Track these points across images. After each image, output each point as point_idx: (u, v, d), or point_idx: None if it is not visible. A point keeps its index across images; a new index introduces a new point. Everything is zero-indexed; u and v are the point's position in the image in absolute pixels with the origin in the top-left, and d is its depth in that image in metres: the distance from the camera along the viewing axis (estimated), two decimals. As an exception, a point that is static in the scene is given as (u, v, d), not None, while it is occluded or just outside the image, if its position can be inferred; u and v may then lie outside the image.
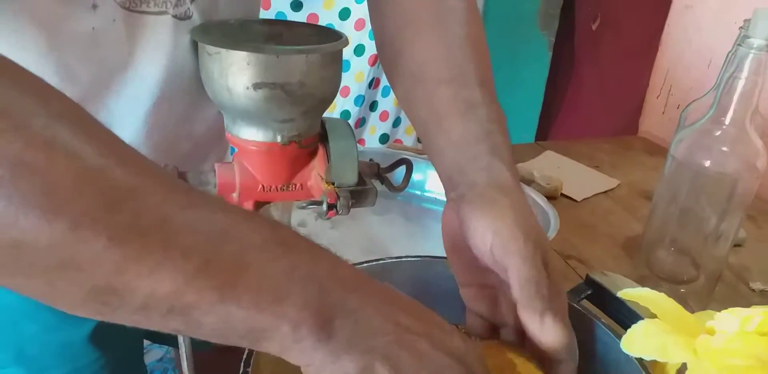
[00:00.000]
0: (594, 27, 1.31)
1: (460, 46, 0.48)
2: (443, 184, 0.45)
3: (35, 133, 0.24)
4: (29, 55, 0.42)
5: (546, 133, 1.54)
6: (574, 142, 1.08)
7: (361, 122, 1.63)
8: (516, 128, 1.74)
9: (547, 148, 1.01)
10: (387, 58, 0.53)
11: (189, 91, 0.51)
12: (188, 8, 0.47)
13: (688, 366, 0.36)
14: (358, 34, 1.25)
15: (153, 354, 1.35)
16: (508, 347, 0.39)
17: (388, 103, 1.44)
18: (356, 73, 1.30)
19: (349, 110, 1.36)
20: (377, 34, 0.55)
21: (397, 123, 1.50)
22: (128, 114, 0.49)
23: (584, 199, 0.85)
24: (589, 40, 1.33)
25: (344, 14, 1.23)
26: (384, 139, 1.49)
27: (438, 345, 0.31)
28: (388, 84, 1.47)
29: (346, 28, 1.24)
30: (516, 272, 0.36)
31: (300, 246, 0.30)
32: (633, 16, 1.18)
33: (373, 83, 1.38)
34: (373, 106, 1.43)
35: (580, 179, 0.90)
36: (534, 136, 1.55)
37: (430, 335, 0.31)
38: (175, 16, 0.46)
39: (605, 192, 0.88)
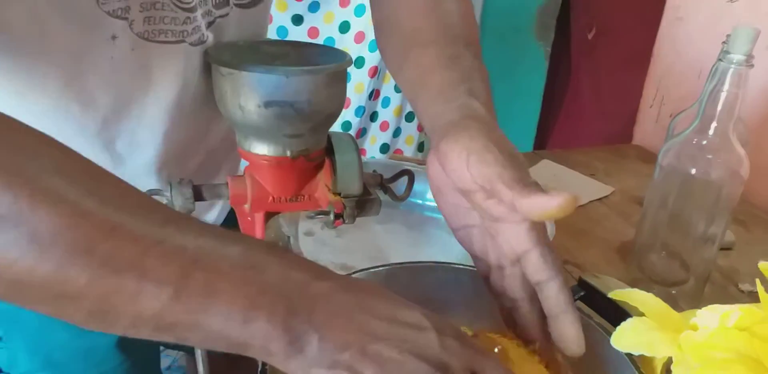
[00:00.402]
0: (590, 37, 1.34)
1: (451, 16, 0.52)
2: (429, 135, 0.45)
3: (22, 187, 0.28)
4: (52, 83, 0.45)
5: (544, 141, 1.56)
6: (571, 150, 1.11)
7: (362, 132, 1.66)
8: (514, 137, 1.76)
9: (544, 157, 1.04)
10: (383, 26, 0.56)
11: (202, 107, 0.55)
12: (203, 34, 0.50)
13: (674, 359, 0.39)
14: (357, 46, 1.28)
15: (162, 361, 1.38)
16: (501, 336, 0.42)
17: (388, 114, 1.46)
18: (356, 85, 1.33)
19: (350, 121, 1.39)
20: (375, 12, 0.57)
21: (397, 133, 1.52)
22: (149, 134, 0.52)
23: (580, 206, 0.88)
24: (586, 50, 1.36)
25: (344, 28, 1.26)
26: (384, 148, 1.51)
27: (407, 347, 0.31)
28: (387, 95, 1.50)
29: (346, 40, 1.27)
30: (498, 177, 0.37)
31: (270, 267, 0.32)
32: (627, 27, 1.21)
33: (373, 94, 1.40)
34: (373, 116, 1.45)
35: (576, 187, 0.92)
36: (532, 144, 1.57)
37: (399, 339, 0.32)
38: (191, 44, 0.49)
39: (600, 199, 0.90)
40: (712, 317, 0.39)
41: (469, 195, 0.40)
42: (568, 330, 0.39)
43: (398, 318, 0.33)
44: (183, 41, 0.48)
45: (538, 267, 0.39)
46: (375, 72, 1.32)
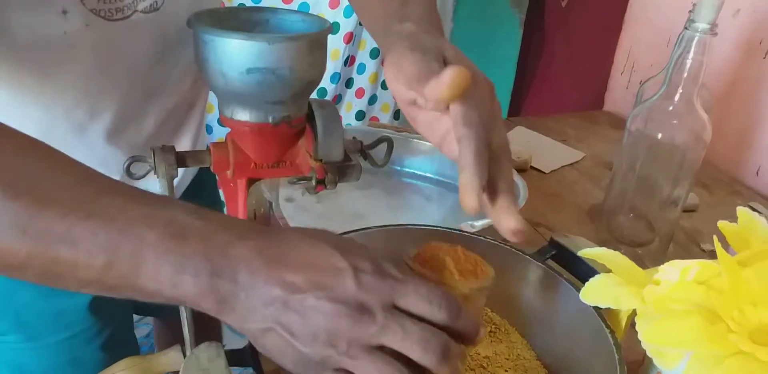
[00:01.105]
0: (563, 4, 1.35)
1: None
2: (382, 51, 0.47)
3: None
4: (7, 55, 0.47)
5: (518, 108, 1.58)
6: (543, 117, 1.13)
7: (338, 99, 1.66)
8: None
9: (518, 124, 1.06)
10: None
11: (159, 68, 0.56)
12: (155, 1, 0.51)
13: (638, 312, 0.42)
14: (332, 12, 1.27)
15: (139, 330, 1.39)
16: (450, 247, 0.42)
17: (363, 81, 1.46)
18: (332, 51, 1.32)
19: (326, 88, 1.38)
20: None
21: (372, 100, 1.52)
22: (108, 100, 0.54)
23: (552, 171, 0.90)
24: (559, 18, 1.37)
25: (318, -8, 1.25)
26: (360, 115, 1.52)
27: (324, 294, 0.33)
28: (363, 62, 1.50)
29: (320, 6, 1.26)
30: (416, 81, 0.38)
31: (195, 233, 0.34)
32: (600, -6, 1.22)
33: (349, 61, 1.40)
34: (348, 83, 1.45)
35: (549, 152, 0.95)
36: (506, 111, 1.59)
37: (317, 286, 0.33)
38: (143, 12, 0.50)
39: (571, 164, 0.93)
40: (673, 272, 0.42)
41: (420, 104, 0.41)
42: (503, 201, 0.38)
43: (316, 264, 0.34)
44: (135, 11, 0.49)
45: (458, 124, 0.38)
46: (350, 38, 1.31)
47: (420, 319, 0.34)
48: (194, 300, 0.33)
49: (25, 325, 0.64)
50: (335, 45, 1.31)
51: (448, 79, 0.36)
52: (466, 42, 1.61)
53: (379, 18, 0.50)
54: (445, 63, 0.39)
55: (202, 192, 0.61)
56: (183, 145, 0.66)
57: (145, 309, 0.78)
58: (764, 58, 0.87)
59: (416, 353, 0.33)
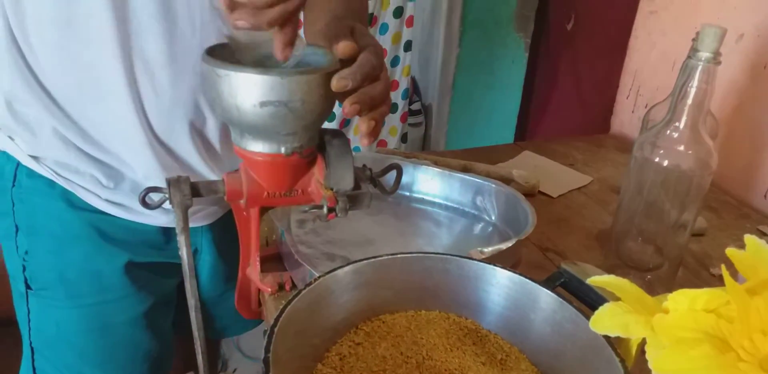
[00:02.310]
0: (569, 28, 1.36)
1: None
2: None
3: None
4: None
5: (524, 132, 1.58)
6: (550, 141, 1.14)
7: (346, 123, 1.68)
8: (496, 128, 1.79)
9: (525, 148, 1.06)
10: None
11: None
12: None
13: (647, 340, 0.42)
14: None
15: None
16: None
17: (371, 105, 1.48)
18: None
19: (334, 111, 1.40)
20: None
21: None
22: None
23: (560, 195, 0.91)
24: (564, 41, 1.38)
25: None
26: (369, 139, 1.53)
27: None
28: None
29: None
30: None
31: None
32: (605, 18, 1.23)
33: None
34: (357, 107, 1.47)
35: (556, 177, 0.95)
36: (513, 135, 1.60)
37: None
38: None
39: (579, 188, 0.93)
40: (682, 300, 0.42)
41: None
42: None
43: None
44: None
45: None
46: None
47: None
48: None
49: (67, 282, 0.69)
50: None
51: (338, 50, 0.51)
52: (472, 66, 1.64)
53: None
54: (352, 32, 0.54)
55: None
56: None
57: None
58: (769, 82, 0.88)
59: None
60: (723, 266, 0.42)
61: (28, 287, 0.70)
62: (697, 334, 0.40)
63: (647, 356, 0.40)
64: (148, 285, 0.73)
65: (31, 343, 0.72)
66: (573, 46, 1.36)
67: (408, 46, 1.69)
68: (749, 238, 0.45)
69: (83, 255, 0.68)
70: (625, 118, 1.19)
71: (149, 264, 0.72)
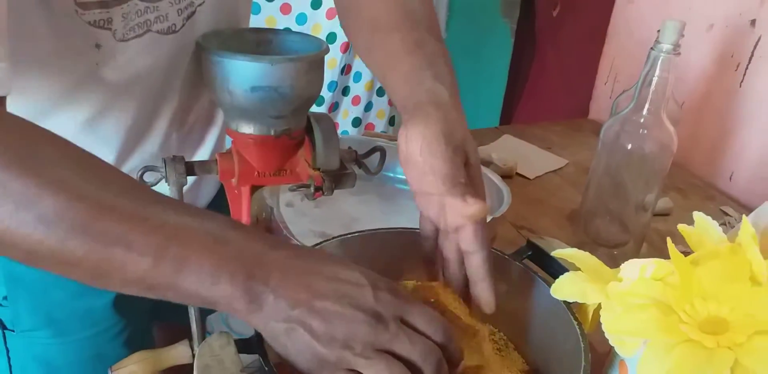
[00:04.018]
0: (554, 14, 1.38)
1: (411, 1, 0.57)
2: (401, 113, 0.51)
3: (30, 176, 0.35)
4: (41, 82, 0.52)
5: (510, 115, 1.61)
6: (530, 125, 1.17)
7: (335, 107, 1.70)
8: (482, 112, 1.82)
9: (506, 132, 1.10)
10: (346, 12, 0.62)
11: (185, 87, 0.61)
12: (173, 24, 0.55)
13: (602, 305, 0.47)
14: (329, 22, 1.31)
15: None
16: (442, 285, 0.49)
17: (359, 89, 1.50)
18: (329, 60, 1.35)
19: (323, 95, 1.42)
20: None
21: (368, 107, 1.56)
22: (138, 112, 0.59)
23: (536, 177, 0.95)
24: (550, 27, 1.39)
25: (316, 4, 1.29)
26: (356, 122, 1.56)
27: (347, 301, 0.38)
28: (359, 70, 1.53)
29: (318, 16, 1.30)
30: (438, 170, 0.46)
31: (234, 241, 0.38)
32: (588, 5, 1.25)
33: (345, 69, 1.44)
34: (345, 91, 1.49)
35: (534, 159, 0.99)
36: (498, 118, 1.63)
37: (340, 295, 0.38)
38: (158, 32, 0.54)
39: (555, 170, 0.98)
40: (633, 270, 0.46)
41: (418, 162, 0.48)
42: (483, 294, 0.48)
43: (340, 277, 0.39)
44: (149, 31, 0.53)
45: (469, 240, 0.47)
46: (347, 47, 1.35)
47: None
48: (228, 301, 0.37)
49: (56, 322, 0.69)
50: (332, 54, 1.34)
51: (474, 211, 0.46)
52: (458, 51, 1.66)
53: (397, 59, 0.53)
54: (465, 164, 0.48)
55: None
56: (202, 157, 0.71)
57: (163, 313, 0.83)
58: (735, 70, 0.92)
59: (418, 361, 0.38)
60: (669, 239, 0.46)
61: (4, 328, 0.70)
62: (645, 300, 0.45)
63: (601, 319, 0.44)
64: (136, 305, 0.72)
65: None
66: (558, 33, 1.38)
67: (395, 30, 1.71)
68: (697, 216, 0.50)
69: (70, 295, 0.68)
70: (603, 104, 1.23)
71: None
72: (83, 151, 0.40)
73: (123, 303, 0.70)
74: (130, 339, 0.74)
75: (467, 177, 0.47)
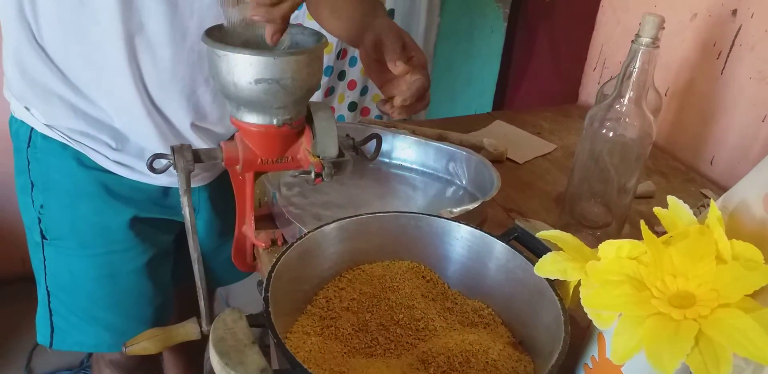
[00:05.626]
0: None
1: None
2: (353, 35, 0.73)
3: None
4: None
5: (503, 100, 1.63)
6: (521, 111, 1.21)
7: (331, 91, 1.73)
8: (475, 96, 1.84)
9: (497, 118, 1.13)
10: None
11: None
12: None
13: (581, 282, 0.50)
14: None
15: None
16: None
17: (355, 73, 1.53)
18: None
19: (319, 82, 1.44)
20: None
21: (364, 91, 1.59)
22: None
23: (526, 162, 0.98)
24: (542, 12, 1.41)
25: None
26: (352, 106, 1.58)
27: None
28: (354, 55, 1.55)
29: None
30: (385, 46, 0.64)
31: None
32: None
33: (341, 54, 1.46)
34: (341, 75, 1.52)
35: (524, 144, 1.03)
36: (491, 103, 1.65)
37: None
38: None
39: (544, 155, 1.01)
40: (609, 249, 0.50)
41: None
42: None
43: None
44: None
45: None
46: (342, 34, 1.37)
47: None
48: None
49: (79, 233, 0.77)
50: (328, 39, 1.36)
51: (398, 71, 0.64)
52: (452, 35, 1.68)
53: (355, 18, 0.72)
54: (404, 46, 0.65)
55: (227, 185, 0.71)
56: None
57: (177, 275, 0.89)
58: (717, 58, 0.96)
59: None
60: (642, 221, 0.50)
61: (43, 237, 0.77)
62: (620, 277, 0.48)
63: (580, 295, 0.48)
64: (150, 239, 0.80)
65: (47, 287, 0.80)
66: (550, 17, 1.40)
67: (390, 15, 1.73)
68: (671, 199, 0.54)
69: (93, 210, 0.76)
70: (592, 90, 1.26)
71: (151, 219, 0.80)
72: None
73: (137, 229, 0.78)
74: (144, 270, 0.81)
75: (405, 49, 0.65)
